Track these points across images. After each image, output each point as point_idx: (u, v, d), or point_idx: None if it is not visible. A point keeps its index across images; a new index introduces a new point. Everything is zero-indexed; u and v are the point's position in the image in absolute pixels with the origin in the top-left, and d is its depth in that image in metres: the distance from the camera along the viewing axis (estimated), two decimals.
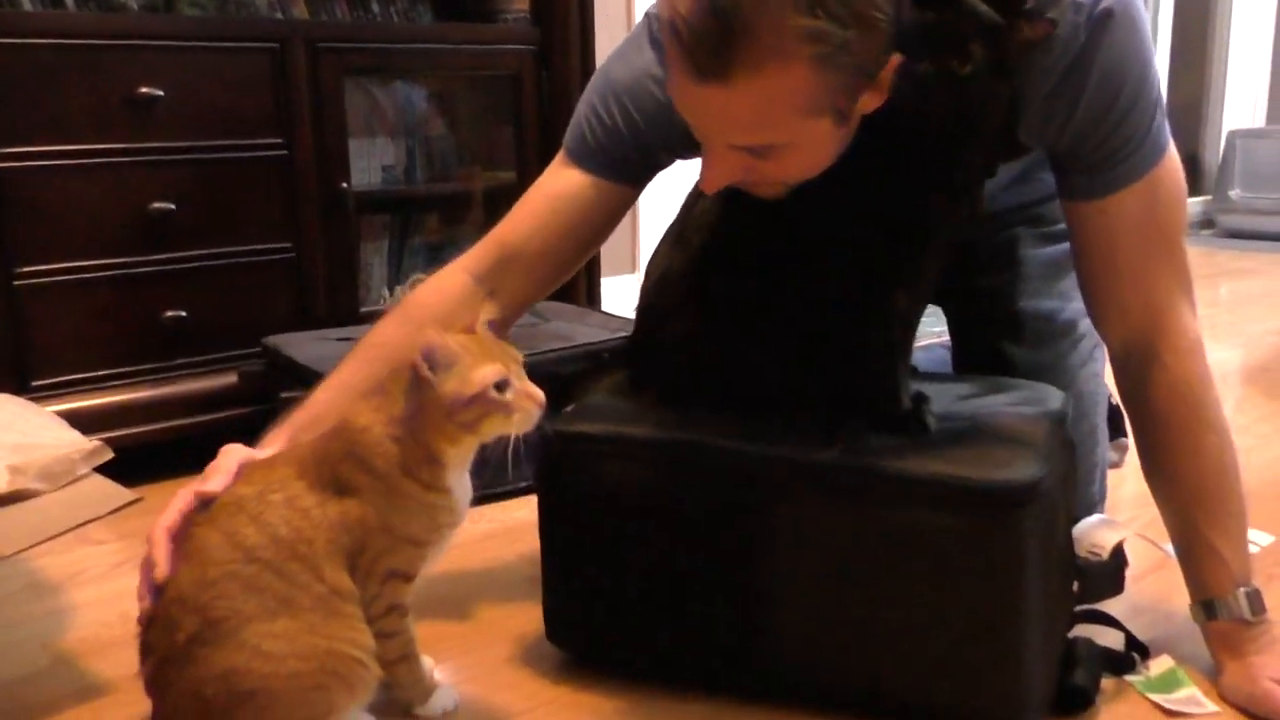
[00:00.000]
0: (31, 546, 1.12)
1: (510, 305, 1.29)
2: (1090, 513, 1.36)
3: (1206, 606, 1.16)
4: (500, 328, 1.16)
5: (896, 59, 0.97)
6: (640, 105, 1.23)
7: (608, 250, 2.56)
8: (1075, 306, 1.42)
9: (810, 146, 1.02)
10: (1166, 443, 1.18)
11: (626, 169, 1.27)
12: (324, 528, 1.01)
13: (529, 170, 2.35)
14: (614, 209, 1.31)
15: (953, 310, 1.57)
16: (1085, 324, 1.44)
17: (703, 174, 1.06)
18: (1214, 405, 1.17)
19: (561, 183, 1.28)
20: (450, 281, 1.27)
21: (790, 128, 0.98)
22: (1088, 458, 1.44)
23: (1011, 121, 1.12)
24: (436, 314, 1.20)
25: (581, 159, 1.27)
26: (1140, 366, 1.19)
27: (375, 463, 1.02)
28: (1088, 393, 1.47)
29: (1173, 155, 1.16)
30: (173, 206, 1.88)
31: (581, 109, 1.29)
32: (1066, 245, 1.26)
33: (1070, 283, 1.37)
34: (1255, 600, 1.13)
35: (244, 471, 1.05)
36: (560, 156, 1.31)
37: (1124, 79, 1.09)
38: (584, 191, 1.27)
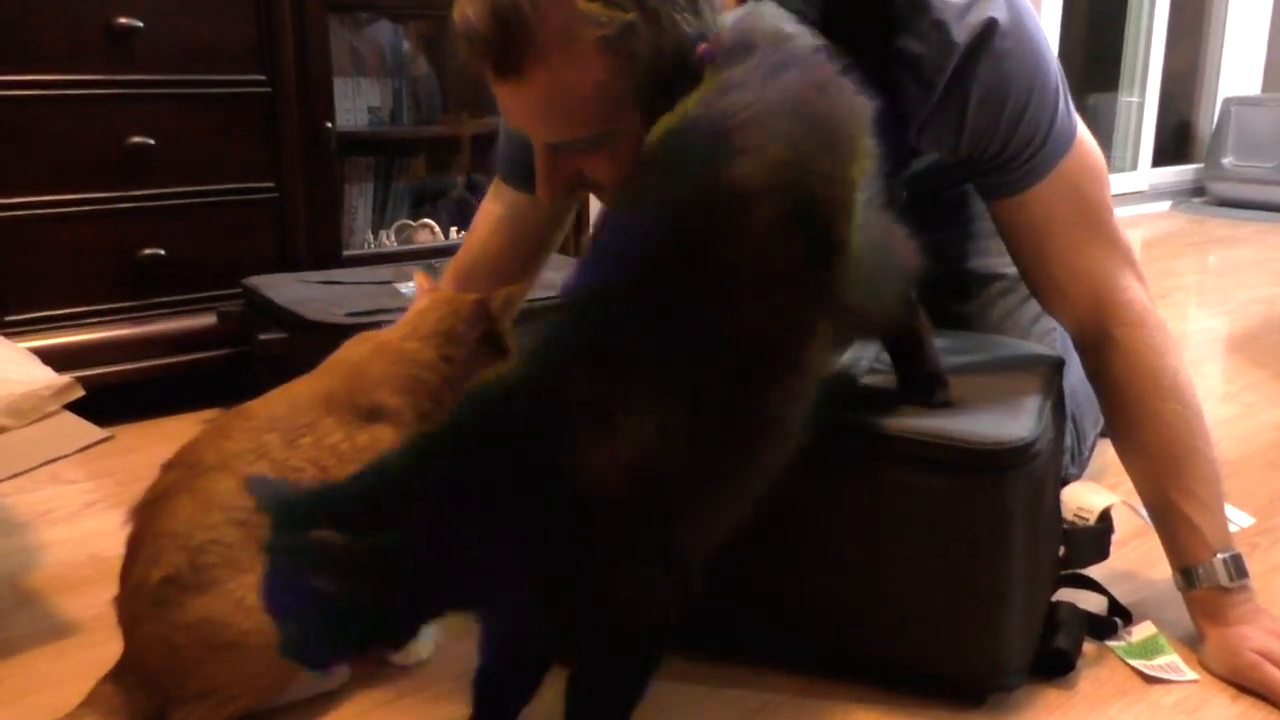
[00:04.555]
0: (0, 482, 1.10)
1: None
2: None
3: (1185, 574, 1.15)
4: None
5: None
6: None
7: (596, 204, 2.53)
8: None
9: (634, 138, 1.01)
10: (1128, 415, 1.18)
11: None
12: (350, 460, 1.00)
13: None
14: (552, 217, 1.38)
15: None
16: None
17: (537, 181, 1.08)
18: (1171, 373, 1.16)
19: (498, 203, 1.36)
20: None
21: (599, 117, 1.00)
22: None
23: (899, 134, 1.11)
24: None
25: (507, 178, 1.33)
26: (1095, 345, 1.19)
27: (424, 375, 1.07)
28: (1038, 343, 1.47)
29: (1082, 139, 1.16)
30: (151, 141, 1.83)
31: (500, 126, 1.35)
32: None
33: None
34: (1235, 565, 1.13)
35: (270, 417, 1.03)
36: (496, 178, 1.37)
37: (1008, 90, 1.08)
38: (518, 208, 1.33)
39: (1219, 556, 1.12)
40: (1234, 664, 1.11)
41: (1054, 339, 1.43)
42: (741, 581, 1.08)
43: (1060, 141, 1.12)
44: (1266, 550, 1.41)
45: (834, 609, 1.06)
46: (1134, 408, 1.17)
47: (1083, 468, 1.51)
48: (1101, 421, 1.55)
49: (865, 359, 1.16)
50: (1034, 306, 1.45)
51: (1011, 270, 1.34)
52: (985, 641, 1.03)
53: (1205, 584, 1.13)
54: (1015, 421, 1.02)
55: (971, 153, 1.12)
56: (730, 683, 1.10)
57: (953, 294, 1.47)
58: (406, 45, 2.38)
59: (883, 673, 1.08)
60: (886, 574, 1.03)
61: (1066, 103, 1.13)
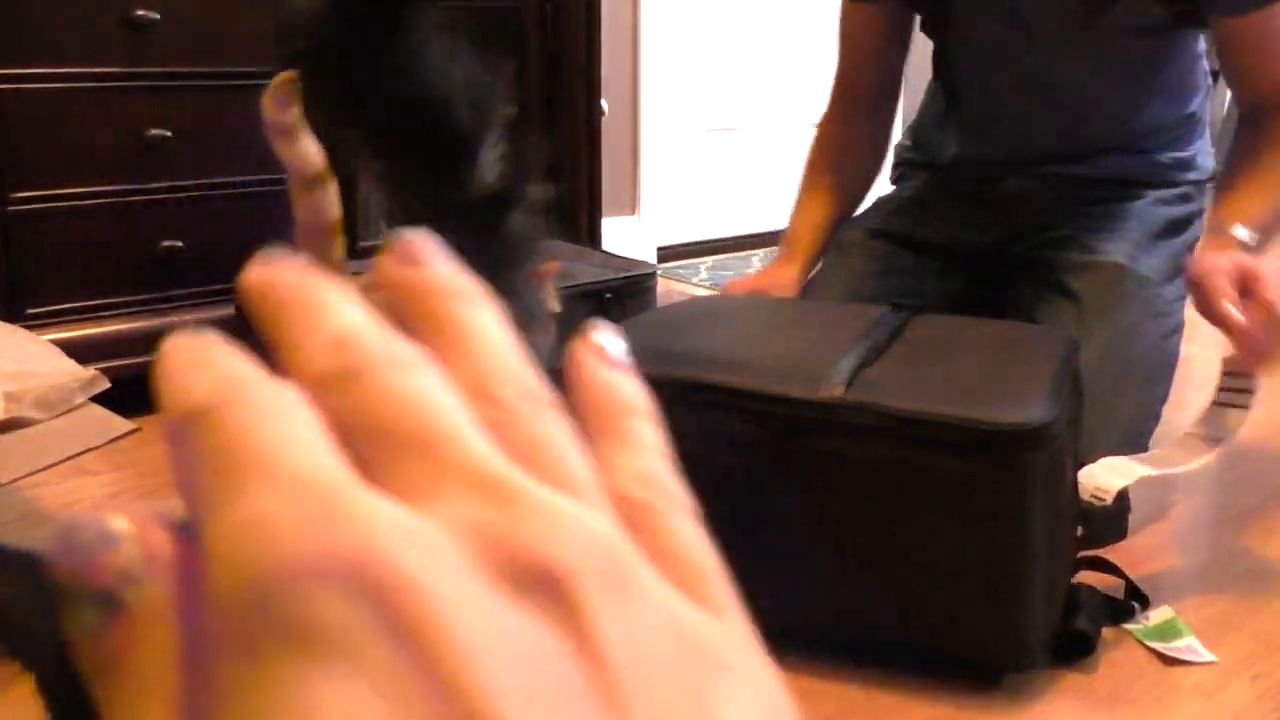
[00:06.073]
0: (29, 475, 1.11)
1: (877, 136, 1.76)
2: None
3: (1214, 228, 1.36)
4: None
5: None
6: None
7: (608, 191, 2.54)
8: (1174, 291, 1.53)
9: None
10: (1257, 143, 1.41)
11: None
12: None
13: (532, 107, 2.32)
14: (903, 25, 1.67)
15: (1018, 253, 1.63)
16: (1178, 313, 1.55)
17: None
18: None
19: (855, 22, 1.66)
20: (839, 138, 1.71)
21: None
22: (1132, 426, 1.46)
23: None
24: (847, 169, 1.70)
25: None
26: (1266, 115, 1.40)
27: None
28: (1156, 364, 1.51)
29: None
30: (169, 134, 1.84)
31: None
32: (1181, 244, 1.56)
33: (1177, 284, 1.53)
34: (1256, 238, 1.32)
35: None
36: (843, 8, 1.66)
37: None
38: (873, 24, 1.63)
39: (1248, 229, 1.32)
40: (1199, 262, 1.22)
41: (1173, 358, 1.53)
42: (759, 563, 1.09)
43: None
44: None
45: (851, 589, 1.07)
46: (1266, 138, 1.40)
47: None
48: None
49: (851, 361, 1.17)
50: (1164, 325, 1.53)
51: (1156, 286, 1.49)
52: (1006, 623, 1.03)
53: (1221, 232, 1.33)
54: (1032, 401, 1.02)
55: None
56: None
57: (1081, 278, 1.53)
58: None
59: (902, 655, 1.09)
60: (904, 556, 1.04)
61: None
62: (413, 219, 0.64)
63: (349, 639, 0.14)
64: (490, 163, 0.64)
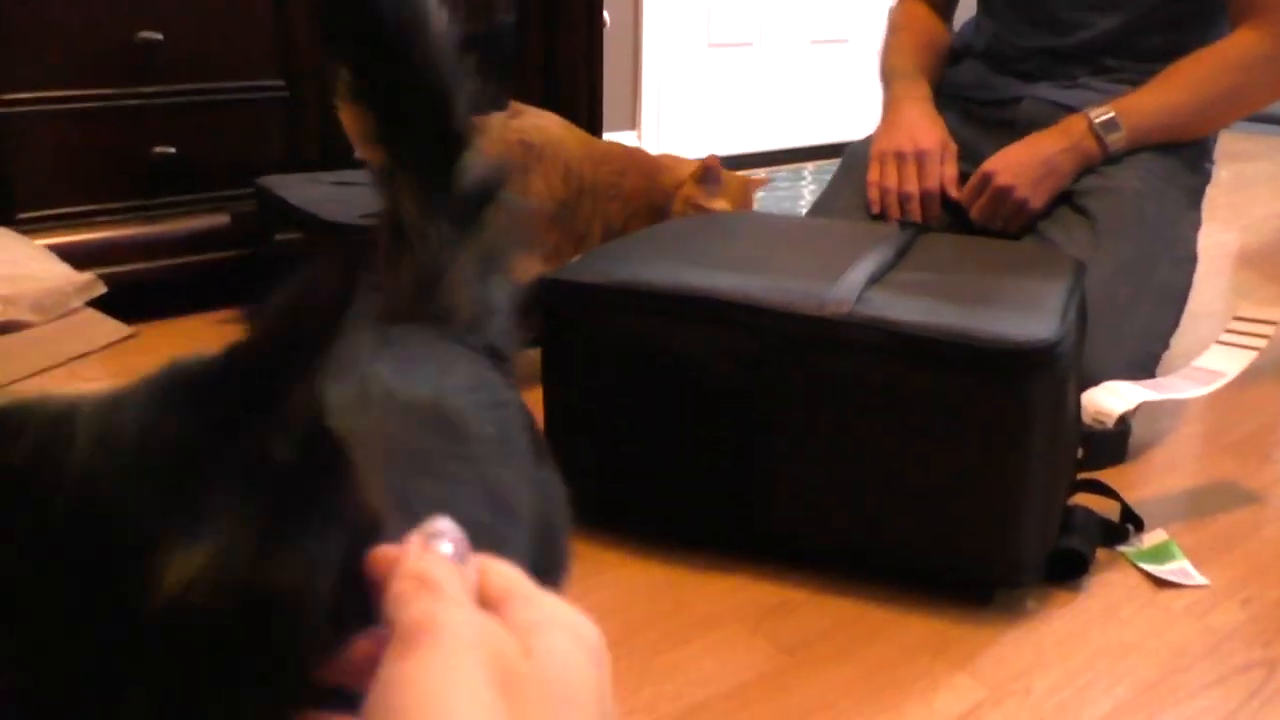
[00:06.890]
0: (26, 378, 1.11)
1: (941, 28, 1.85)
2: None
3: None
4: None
5: None
6: None
7: (609, 106, 2.50)
8: (1189, 221, 1.58)
9: None
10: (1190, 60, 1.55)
11: None
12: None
13: (531, 17, 2.27)
14: None
15: None
16: (1191, 244, 1.58)
17: None
18: (1230, 87, 1.55)
19: None
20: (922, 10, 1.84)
21: None
22: (1141, 348, 1.45)
23: None
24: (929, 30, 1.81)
25: None
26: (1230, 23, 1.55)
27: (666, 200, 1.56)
28: (1167, 289, 1.51)
29: None
30: (160, 36, 1.80)
31: None
32: (1195, 177, 1.61)
33: (1192, 216, 1.60)
34: (1103, 125, 1.51)
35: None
36: None
37: None
38: None
39: (1099, 115, 1.51)
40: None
41: (1183, 283, 1.56)
42: (762, 476, 1.10)
43: None
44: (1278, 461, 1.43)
45: (851, 504, 1.08)
46: (1194, 62, 1.53)
47: None
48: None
49: (867, 272, 1.16)
50: (1177, 251, 1.55)
51: (1175, 230, 1.55)
52: (1002, 540, 1.04)
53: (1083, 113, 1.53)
54: (1039, 321, 1.02)
55: None
56: (750, 578, 1.12)
57: (1096, 203, 1.53)
58: None
59: (898, 568, 1.09)
60: (906, 471, 1.04)
61: None
62: (401, 207, 0.69)
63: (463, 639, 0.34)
64: (474, 162, 0.70)
